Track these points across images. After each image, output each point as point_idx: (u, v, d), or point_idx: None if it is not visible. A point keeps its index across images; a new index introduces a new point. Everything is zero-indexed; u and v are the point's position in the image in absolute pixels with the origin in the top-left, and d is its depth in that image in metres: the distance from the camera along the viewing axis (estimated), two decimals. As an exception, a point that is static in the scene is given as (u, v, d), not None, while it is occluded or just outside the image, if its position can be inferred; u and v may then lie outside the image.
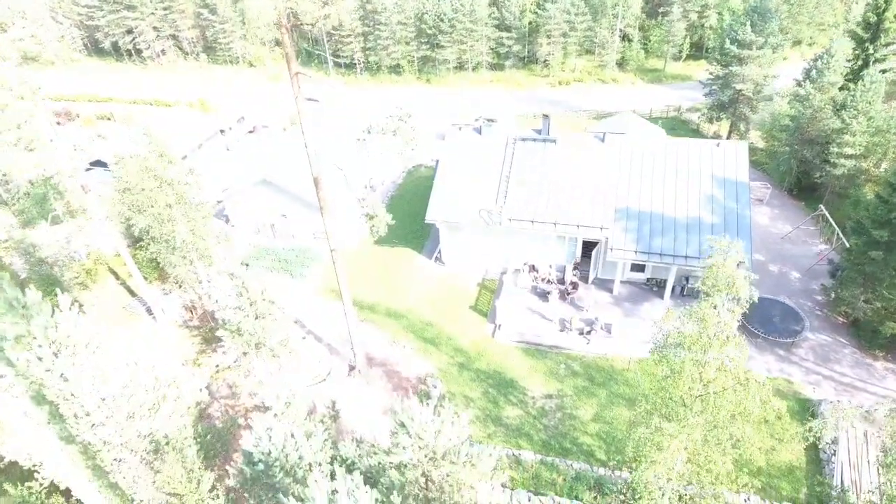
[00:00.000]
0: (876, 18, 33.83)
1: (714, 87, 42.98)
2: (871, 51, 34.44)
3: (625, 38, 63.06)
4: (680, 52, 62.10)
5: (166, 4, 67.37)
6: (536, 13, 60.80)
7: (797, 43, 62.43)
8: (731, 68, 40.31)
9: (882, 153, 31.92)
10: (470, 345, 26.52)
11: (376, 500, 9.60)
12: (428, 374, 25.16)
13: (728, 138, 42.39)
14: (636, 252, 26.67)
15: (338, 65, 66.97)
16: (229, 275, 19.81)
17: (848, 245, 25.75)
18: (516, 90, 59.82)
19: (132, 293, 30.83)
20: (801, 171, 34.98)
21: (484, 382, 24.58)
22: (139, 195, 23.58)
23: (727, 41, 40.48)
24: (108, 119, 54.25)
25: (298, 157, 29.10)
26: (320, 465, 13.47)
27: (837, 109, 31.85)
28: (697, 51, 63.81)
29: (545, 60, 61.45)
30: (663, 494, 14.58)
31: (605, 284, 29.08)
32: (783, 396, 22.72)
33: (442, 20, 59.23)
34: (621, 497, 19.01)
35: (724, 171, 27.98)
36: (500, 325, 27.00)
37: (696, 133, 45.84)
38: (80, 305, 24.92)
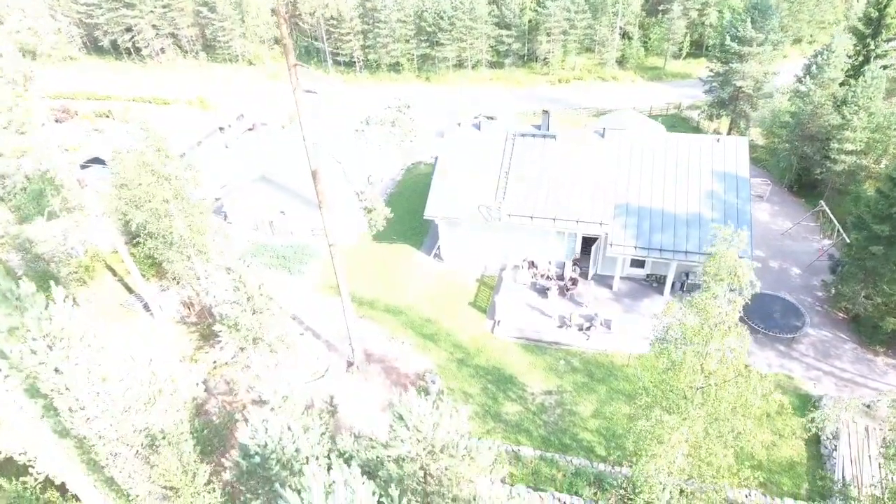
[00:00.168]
0: (877, 14, 33.63)
1: (714, 84, 42.80)
2: (872, 46, 34.24)
3: (625, 35, 62.96)
4: (680, 50, 62.01)
5: (165, 2, 67.21)
6: (536, 11, 60.66)
7: (797, 41, 62.37)
8: (731, 65, 40.16)
9: (883, 149, 31.74)
10: (469, 341, 26.39)
11: (374, 492, 9.46)
12: (427, 370, 25.02)
13: (728, 135, 42.22)
14: (636, 248, 26.54)
15: (337, 63, 66.87)
16: (226, 269, 19.65)
17: (848, 241, 25.64)
18: (516, 88, 59.67)
19: (130, 290, 30.71)
20: (801, 167, 34.86)
21: (483, 378, 24.45)
22: (136, 190, 23.47)
23: (727, 38, 40.35)
24: (107, 116, 54.16)
25: (297, 154, 29.02)
26: (317, 458, 13.32)
27: (838, 105, 31.71)
28: (698, 49, 63.67)
29: (545, 58, 61.36)
30: (664, 489, 14.45)
31: (604, 280, 28.95)
32: (784, 392, 22.61)
33: (441, 18, 59.11)
34: (621, 492, 18.90)
35: (725, 167, 27.84)
36: (499, 321, 26.87)
37: (697, 130, 45.67)
38: (75, 299, 24.76)
